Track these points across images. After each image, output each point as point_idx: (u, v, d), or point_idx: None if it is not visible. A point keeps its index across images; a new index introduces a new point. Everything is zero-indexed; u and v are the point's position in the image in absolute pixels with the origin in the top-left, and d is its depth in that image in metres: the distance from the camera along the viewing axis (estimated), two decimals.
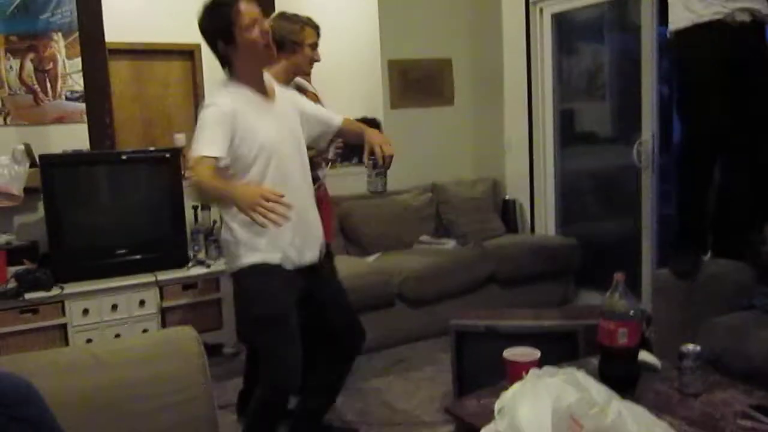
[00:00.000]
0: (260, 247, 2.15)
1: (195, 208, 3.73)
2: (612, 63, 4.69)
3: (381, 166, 2.24)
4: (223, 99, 2.11)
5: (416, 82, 4.82)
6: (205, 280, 3.53)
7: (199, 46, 6.22)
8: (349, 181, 4.45)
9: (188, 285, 3.50)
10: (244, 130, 2.08)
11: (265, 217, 1.77)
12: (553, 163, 4.59)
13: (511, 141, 4.74)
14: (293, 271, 2.21)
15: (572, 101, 4.71)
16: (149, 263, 3.45)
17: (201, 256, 3.67)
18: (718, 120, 2.68)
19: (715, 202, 2.88)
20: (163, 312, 3.41)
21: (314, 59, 2.78)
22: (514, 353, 1.77)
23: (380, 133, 2.40)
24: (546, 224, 4.64)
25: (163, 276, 3.41)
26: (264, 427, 2.26)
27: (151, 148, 3.68)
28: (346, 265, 3.78)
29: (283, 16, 2.75)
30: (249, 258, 2.16)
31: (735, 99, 2.67)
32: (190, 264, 3.59)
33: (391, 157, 2.23)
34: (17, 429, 1.27)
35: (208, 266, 3.58)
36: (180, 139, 4.07)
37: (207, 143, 2.01)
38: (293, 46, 2.69)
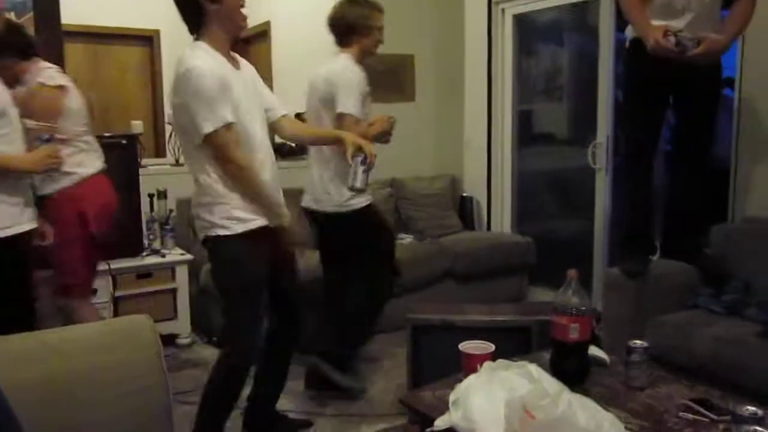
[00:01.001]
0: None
1: (151, 196, 3.67)
2: (570, 65, 4.79)
3: (369, 163, 2.32)
4: (209, 63, 2.11)
5: (378, 76, 4.81)
6: (159, 270, 3.49)
7: (158, 32, 6.13)
8: (306, 174, 4.44)
9: (142, 274, 3.45)
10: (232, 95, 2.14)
11: None
12: (510, 162, 4.67)
13: (470, 139, 4.80)
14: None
15: (531, 102, 4.79)
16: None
17: (156, 245, 3.62)
18: (656, 126, 2.83)
19: (663, 205, 2.99)
20: (116, 301, 3.36)
21: (380, 41, 2.98)
22: (469, 346, 1.81)
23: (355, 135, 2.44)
24: (502, 222, 4.72)
25: (117, 264, 3.35)
26: (231, 395, 2.31)
27: (107, 134, 3.60)
28: (304, 258, 3.79)
29: (351, 1, 2.93)
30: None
31: (679, 107, 2.80)
32: (144, 253, 3.54)
33: (375, 155, 2.34)
34: None
35: (163, 255, 3.54)
36: (137, 125, 3.99)
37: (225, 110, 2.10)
38: (364, 30, 2.92)
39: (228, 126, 2.11)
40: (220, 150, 2.13)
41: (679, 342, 2.45)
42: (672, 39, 2.56)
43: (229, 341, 2.34)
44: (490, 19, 4.56)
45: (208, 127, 2.09)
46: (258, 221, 2.24)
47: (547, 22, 4.69)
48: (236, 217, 2.20)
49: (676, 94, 2.81)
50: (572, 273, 1.80)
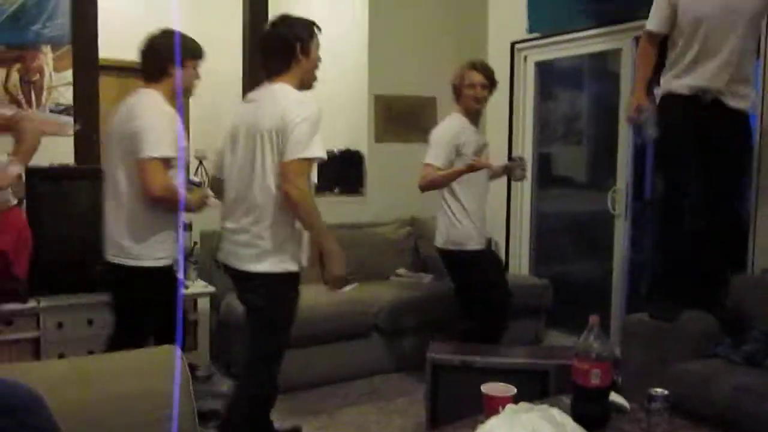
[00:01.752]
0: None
1: None
2: (589, 110, 4.87)
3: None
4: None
5: (400, 117, 4.93)
6: (182, 301, 3.53)
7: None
8: (328, 210, 4.50)
9: None
10: None
11: None
12: (530, 204, 4.71)
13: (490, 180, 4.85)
14: None
15: (550, 145, 4.86)
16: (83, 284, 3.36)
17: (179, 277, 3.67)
18: (687, 179, 2.87)
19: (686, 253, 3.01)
20: None
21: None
22: (491, 388, 1.83)
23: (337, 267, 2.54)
24: (520, 263, 4.75)
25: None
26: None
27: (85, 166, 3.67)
28: (323, 295, 3.82)
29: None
30: None
31: (704, 162, 2.85)
32: None
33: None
34: None
35: (187, 287, 3.59)
36: None
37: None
38: (459, 90, 3.47)
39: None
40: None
41: (699, 391, 2.45)
42: (640, 116, 2.85)
43: (261, 371, 2.52)
44: (513, 65, 4.66)
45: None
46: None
47: (567, 67, 4.79)
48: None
49: (707, 142, 2.84)
50: (594, 319, 1.83)
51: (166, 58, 2.59)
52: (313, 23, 2.62)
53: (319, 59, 2.62)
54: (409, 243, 4.53)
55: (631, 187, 3.98)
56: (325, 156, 2.45)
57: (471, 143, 3.39)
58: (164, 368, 1.79)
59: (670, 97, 2.88)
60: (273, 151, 2.37)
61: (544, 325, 4.48)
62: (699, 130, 2.80)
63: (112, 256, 2.60)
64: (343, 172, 4.67)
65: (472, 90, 3.41)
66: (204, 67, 2.80)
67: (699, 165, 2.89)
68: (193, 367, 3.56)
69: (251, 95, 2.61)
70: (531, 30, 4.45)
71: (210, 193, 2.76)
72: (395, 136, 4.88)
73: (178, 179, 2.56)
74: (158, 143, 2.46)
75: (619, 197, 3.97)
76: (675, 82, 2.88)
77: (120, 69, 5.99)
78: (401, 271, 4.36)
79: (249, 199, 2.42)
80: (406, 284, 4.19)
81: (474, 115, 3.47)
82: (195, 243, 3.82)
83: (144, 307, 2.61)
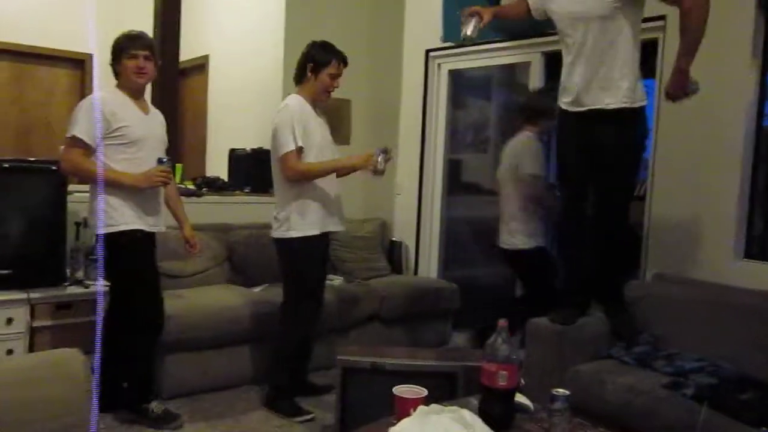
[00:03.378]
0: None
1: (78, 224, 3.57)
2: (496, 119, 5.03)
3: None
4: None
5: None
6: (81, 301, 3.37)
7: (90, 57, 6.00)
8: (238, 209, 4.43)
9: (62, 305, 3.33)
10: None
11: None
12: (440, 209, 4.81)
13: (402, 184, 4.93)
14: None
15: (459, 152, 4.98)
16: (21, 279, 3.26)
17: (79, 275, 3.51)
18: (575, 190, 3.03)
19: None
20: (33, 332, 3.22)
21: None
22: (402, 390, 1.86)
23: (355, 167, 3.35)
24: (429, 267, 4.84)
25: (37, 294, 3.23)
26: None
27: (34, 159, 3.50)
28: (232, 295, 3.76)
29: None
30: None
31: (590, 170, 2.98)
32: (66, 283, 3.42)
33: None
34: None
35: (86, 286, 3.43)
36: None
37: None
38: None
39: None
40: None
41: (595, 391, 2.58)
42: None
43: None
44: (427, 72, 4.74)
45: None
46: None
47: (477, 77, 4.92)
48: None
49: (588, 150, 2.95)
50: (502, 323, 1.90)
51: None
52: (338, 53, 3.26)
53: (332, 85, 3.24)
54: None
55: None
56: (293, 147, 3.07)
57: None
58: (66, 370, 1.70)
59: (559, 112, 3.04)
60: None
61: (450, 327, 4.60)
62: (579, 140, 2.95)
63: None
64: (255, 170, 4.60)
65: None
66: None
67: (585, 174, 3.00)
68: (93, 370, 3.41)
69: None
70: (445, 39, 4.55)
71: (166, 168, 2.99)
72: None
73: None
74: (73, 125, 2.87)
75: None
76: (560, 97, 3.03)
77: (13, 53, 5.67)
78: None
79: None
80: None
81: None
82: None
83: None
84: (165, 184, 3.04)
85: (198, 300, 3.57)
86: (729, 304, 2.81)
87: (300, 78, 3.25)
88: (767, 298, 2.75)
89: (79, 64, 6.00)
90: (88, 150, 2.88)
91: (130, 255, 2.97)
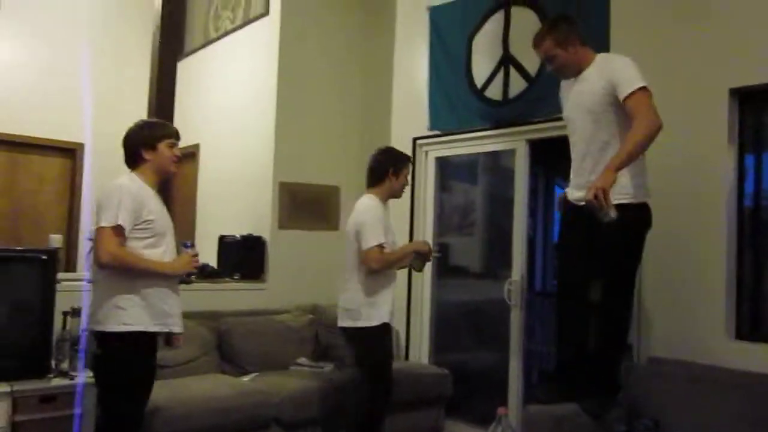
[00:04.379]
0: None
1: (65, 314, 3.52)
2: (483, 204, 5.11)
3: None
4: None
5: (305, 205, 4.98)
6: (66, 393, 3.28)
7: (82, 146, 6.10)
8: (228, 296, 4.40)
9: (47, 397, 3.23)
10: None
11: None
12: (430, 293, 4.81)
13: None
14: None
15: (446, 235, 5.03)
16: (4, 371, 3.18)
17: (64, 366, 3.42)
18: (568, 276, 3.07)
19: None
20: (14, 427, 3.11)
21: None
22: None
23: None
24: (420, 352, 4.78)
25: (20, 386, 3.14)
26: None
27: (23, 248, 3.50)
28: (222, 384, 3.68)
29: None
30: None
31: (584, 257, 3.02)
32: (51, 375, 3.34)
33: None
34: None
35: (72, 378, 3.35)
36: (56, 239, 3.89)
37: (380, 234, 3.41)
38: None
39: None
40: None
41: None
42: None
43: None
44: (414, 158, 4.85)
45: None
46: None
47: (463, 163, 5.04)
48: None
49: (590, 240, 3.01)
50: (502, 410, 1.89)
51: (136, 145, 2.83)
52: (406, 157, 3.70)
53: (406, 183, 3.65)
54: (310, 332, 4.47)
55: (525, 279, 4.15)
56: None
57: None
58: None
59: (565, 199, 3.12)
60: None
61: (444, 414, 4.49)
62: (579, 230, 3.00)
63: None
64: (245, 257, 4.60)
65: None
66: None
67: (579, 261, 3.02)
68: None
69: None
70: (432, 128, 4.69)
71: (196, 252, 2.91)
72: (299, 223, 4.91)
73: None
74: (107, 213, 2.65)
75: (516, 288, 4.14)
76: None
77: (6, 143, 5.76)
78: (302, 360, 4.27)
79: None
80: (306, 373, 4.10)
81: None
82: (84, 330, 3.58)
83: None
84: (197, 269, 3.01)
85: (186, 391, 3.49)
86: (726, 387, 2.80)
87: (378, 180, 3.60)
88: (762, 380, 2.75)
89: (70, 152, 6.08)
90: (122, 240, 2.65)
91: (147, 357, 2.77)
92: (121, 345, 2.64)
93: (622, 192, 2.80)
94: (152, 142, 2.79)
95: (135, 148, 2.80)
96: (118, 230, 2.61)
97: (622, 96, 2.76)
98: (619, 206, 2.69)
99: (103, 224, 2.60)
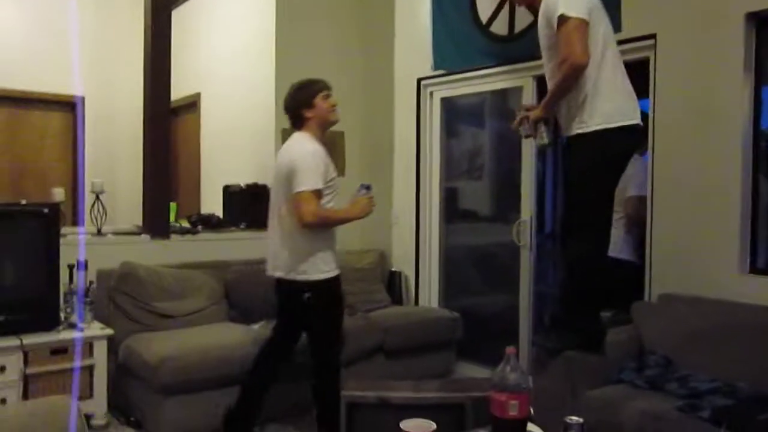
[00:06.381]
0: None
1: (71, 267, 3.51)
2: (490, 147, 5.01)
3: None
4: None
5: None
6: (76, 345, 3.29)
7: (82, 99, 6.01)
8: (235, 246, 4.38)
9: (57, 350, 3.25)
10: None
11: None
12: (438, 238, 4.76)
13: (398, 214, 4.89)
14: None
15: (454, 180, 4.95)
16: (14, 325, 3.18)
17: (73, 319, 3.43)
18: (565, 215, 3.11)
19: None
20: (27, 379, 3.13)
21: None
22: (410, 424, 1.79)
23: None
24: (430, 297, 4.77)
25: (30, 340, 3.15)
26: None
27: (25, 202, 3.45)
28: (232, 333, 3.69)
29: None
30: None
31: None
32: (60, 327, 3.34)
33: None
34: None
35: (81, 330, 3.36)
36: (59, 193, 3.85)
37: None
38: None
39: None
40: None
41: (608, 417, 2.51)
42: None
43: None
44: (419, 100, 4.74)
45: None
46: None
47: (470, 105, 4.92)
48: None
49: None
50: (510, 350, 1.84)
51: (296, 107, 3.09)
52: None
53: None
54: None
55: (535, 219, 4.09)
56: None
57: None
58: (59, 419, 1.64)
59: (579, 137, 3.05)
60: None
61: (455, 357, 4.51)
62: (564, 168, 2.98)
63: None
64: (250, 206, 4.55)
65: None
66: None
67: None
68: (88, 417, 3.32)
69: None
70: (435, 68, 4.56)
71: (371, 194, 3.08)
72: None
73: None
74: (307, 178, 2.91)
75: (524, 229, 4.08)
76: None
77: (5, 99, 5.68)
78: None
79: None
80: None
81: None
82: (91, 282, 3.59)
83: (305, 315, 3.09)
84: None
85: (195, 340, 3.49)
86: (738, 322, 2.76)
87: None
88: None
89: (70, 106, 5.99)
90: (320, 200, 2.95)
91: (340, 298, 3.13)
92: (327, 288, 3.01)
93: (579, 123, 2.87)
94: (309, 100, 3.05)
95: (296, 111, 3.07)
96: (318, 193, 2.91)
97: (555, 31, 2.75)
98: (575, 136, 2.74)
99: (304, 188, 2.89)
